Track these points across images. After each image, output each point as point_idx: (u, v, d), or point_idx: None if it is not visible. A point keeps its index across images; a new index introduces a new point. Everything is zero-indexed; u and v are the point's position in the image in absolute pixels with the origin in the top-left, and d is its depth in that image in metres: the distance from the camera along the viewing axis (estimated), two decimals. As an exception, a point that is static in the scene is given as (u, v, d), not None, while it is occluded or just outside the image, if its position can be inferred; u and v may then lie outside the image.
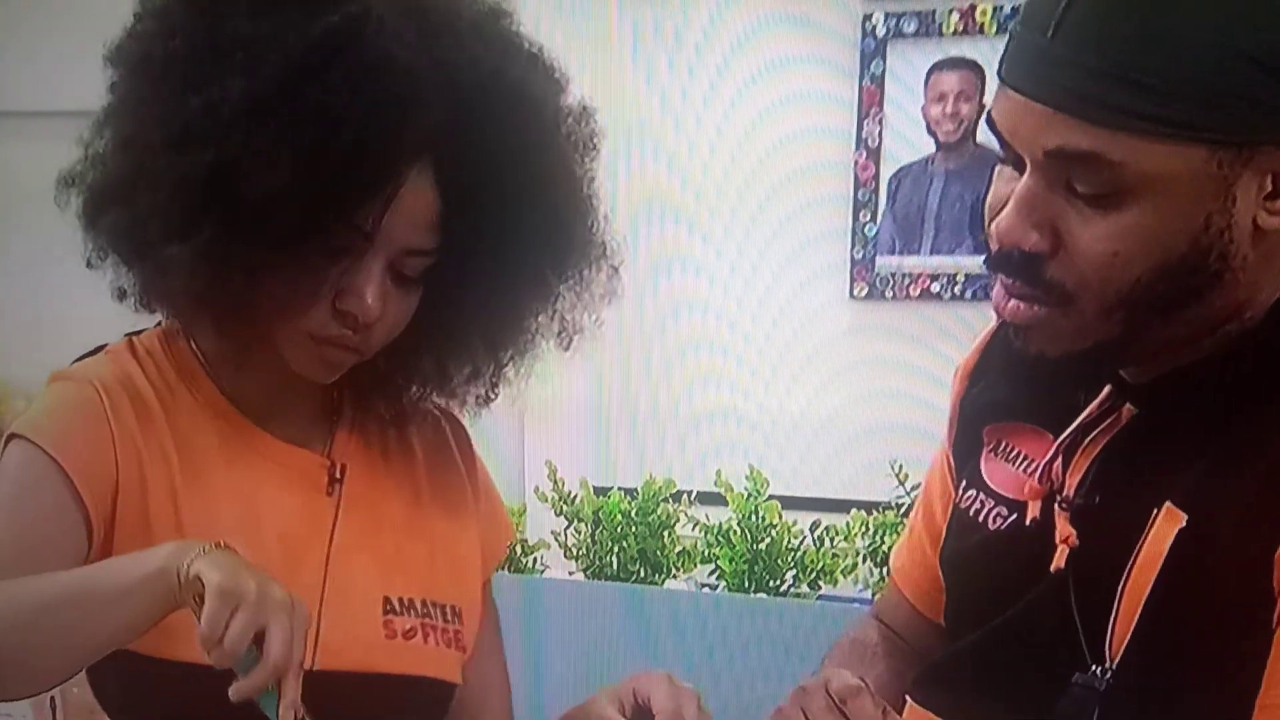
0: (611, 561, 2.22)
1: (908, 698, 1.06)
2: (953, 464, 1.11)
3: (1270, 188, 0.85)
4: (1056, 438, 0.97)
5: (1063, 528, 0.94)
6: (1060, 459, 0.97)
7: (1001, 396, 1.06)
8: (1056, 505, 0.96)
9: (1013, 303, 0.91)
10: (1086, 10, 0.84)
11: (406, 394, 1.13)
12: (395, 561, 1.09)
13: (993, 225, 0.90)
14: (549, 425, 2.90)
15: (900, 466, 2.19)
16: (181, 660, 0.97)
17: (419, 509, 1.13)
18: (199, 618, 0.84)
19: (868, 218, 2.77)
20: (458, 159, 1.00)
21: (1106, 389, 0.95)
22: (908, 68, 2.69)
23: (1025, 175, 0.88)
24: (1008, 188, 0.89)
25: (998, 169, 0.91)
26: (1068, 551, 0.93)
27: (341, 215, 0.98)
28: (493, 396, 1.14)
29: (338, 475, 1.09)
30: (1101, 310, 0.88)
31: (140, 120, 1.01)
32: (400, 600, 1.08)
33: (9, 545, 0.98)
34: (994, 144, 0.91)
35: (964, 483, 1.07)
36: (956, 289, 2.72)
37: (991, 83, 1.03)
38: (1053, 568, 0.93)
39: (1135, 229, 0.85)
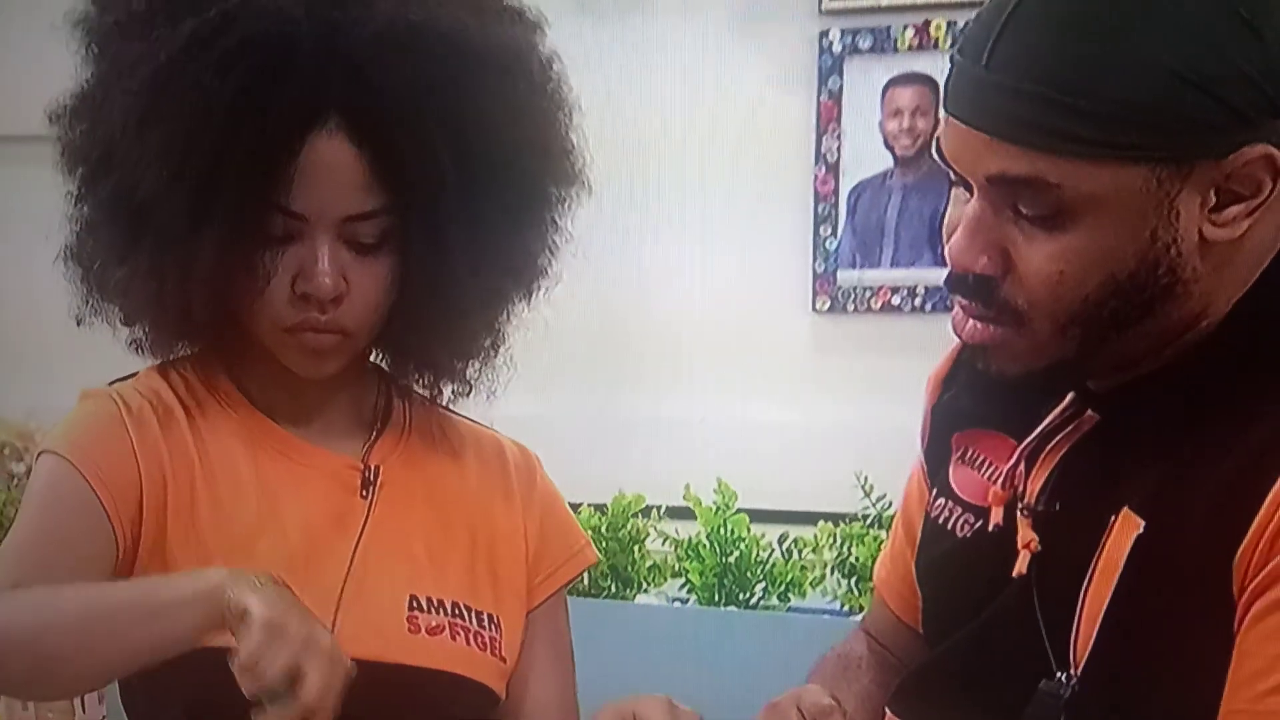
0: (581, 577, 2.21)
1: (886, 709, 1.06)
2: (926, 473, 1.12)
3: (1213, 200, 0.86)
4: (1020, 443, 0.98)
5: (1025, 533, 0.95)
6: (1023, 465, 0.97)
7: (968, 404, 1.06)
8: (1019, 511, 0.96)
9: (970, 323, 0.92)
10: (1017, 37, 0.85)
11: (419, 375, 1.15)
12: (427, 564, 1.11)
13: (945, 249, 0.92)
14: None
15: (865, 478, 2.22)
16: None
17: (459, 519, 1.15)
18: (239, 642, 0.86)
19: (828, 232, 2.79)
20: (367, 113, 1.00)
21: (1069, 396, 0.96)
22: (864, 83, 2.71)
23: (973, 199, 0.89)
24: (960, 210, 0.90)
25: (953, 192, 0.92)
26: (1029, 557, 0.94)
27: (254, 197, 0.99)
28: (493, 353, 1.15)
29: (371, 478, 1.11)
30: (1056, 329, 0.89)
31: (78, 173, 1.06)
32: (429, 600, 1.09)
33: (41, 546, 1.02)
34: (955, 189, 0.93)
35: (935, 491, 1.07)
36: (917, 301, 2.74)
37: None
38: (1015, 573, 0.94)
39: (1081, 248, 0.86)
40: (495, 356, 1.16)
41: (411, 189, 1.02)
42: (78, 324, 1.11)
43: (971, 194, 0.89)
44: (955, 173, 0.90)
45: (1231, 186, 0.85)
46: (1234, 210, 0.86)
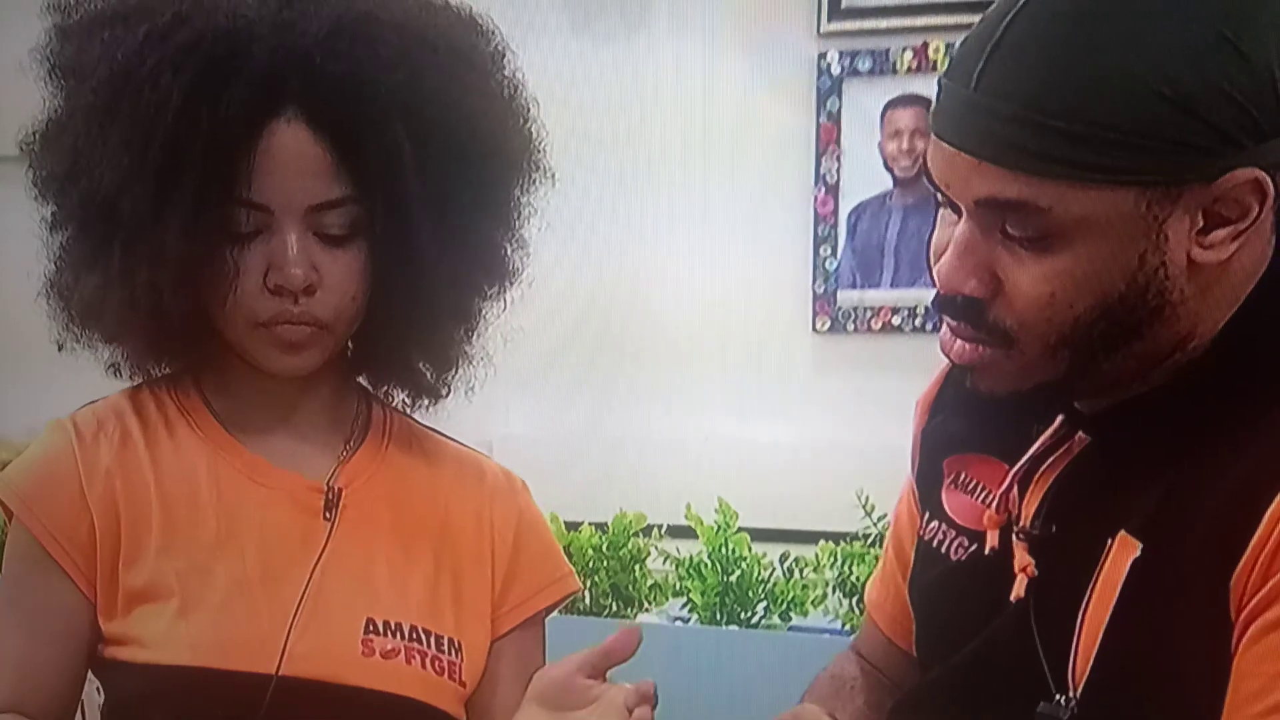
0: (583, 596, 2.22)
1: None
2: (917, 496, 1.12)
3: (1202, 223, 0.85)
4: (1012, 468, 0.98)
5: (1021, 557, 0.95)
6: (1016, 488, 0.97)
7: (959, 428, 1.06)
8: (1014, 535, 0.96)
9: (959, 344, 0.92)
10: (1006, 60, 0.84)
11: (395, 375, 1.15)
12: (387, 587, 1.11)
13: (934, 271, 0.91)
14: (518, 462, 2.90)
15: (866, 497, 2.21)
16: (153, 663, 1.03)
17: (425, 542, 1.14)
18: None
19: (828, 252, 2.81)
20: (324, 101, 1.01)
21: (1059, 419, 0.96)
22: (864, 105, 2.74)
23: (961, 222, 0.89)
24: (948, 232, 0.90)
25: (940, 213, 0.92)
26: (1027, 581, 0.94)
27: (215, 189, 1.00)
28: (467, 347, 1.16)
29: (334, 501, 1.11)
30: (1045, 350, 0.89)
31: (51, 190, 1.07)
32: (385, 623, 1.09)
33: (17, 648, 1.06)
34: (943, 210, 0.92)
35: (927, 514, 1.07)
36: (917, 321, 2.75)
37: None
38: (1013, 597, 0.94)
39: (1070, 271, 0.86)
40: (470, 350, 1.16)
41: (373, 173, 1.03)
42: (59, 349, 1.11)
43: (959, 215, 0.89)
44: (943, 195, 0.90)
45: (1219, 210, 0.85)
46: (1221, 233, 0.86)
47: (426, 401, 1.18)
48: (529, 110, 1.14)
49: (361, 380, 1.20)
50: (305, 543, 1.09)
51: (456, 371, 1.17)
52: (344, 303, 1.06)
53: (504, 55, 1.13)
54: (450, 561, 1.15)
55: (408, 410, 1.20)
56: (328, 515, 1.11)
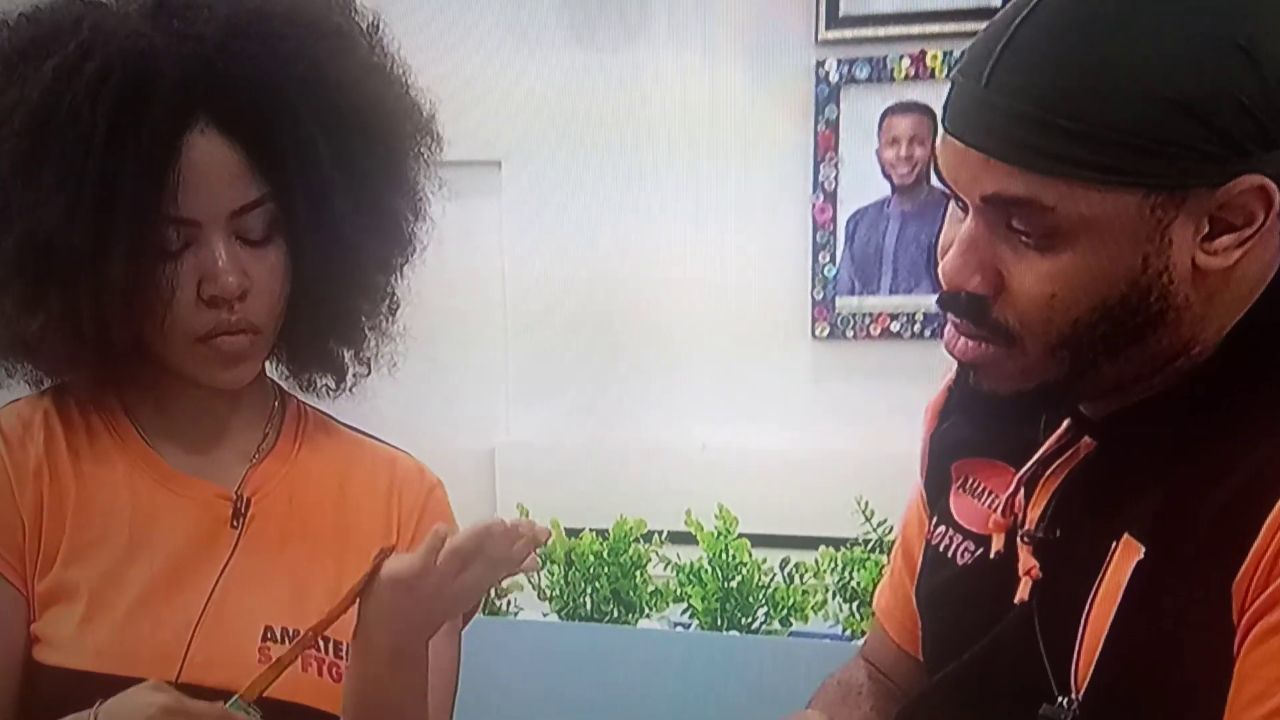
0: (585, 602, 2.23)
1: None
2: (926, 501, 1.12)
3: (1207, 229, 0.85)
4: (1018, 471, 0.98)
5: (1026, 560, 0.95)
6: (1021, 492, 0.97)
7: (967, 433, 1.06)
8: (1019, 538, 0.96)
9: (962, 342, 0.92)
10: (1018, 58, 0.84)
11: (316, 363, 1.16)
12: (288, 596, 1.12)
13: (939, 267, 0.91)
14: (520, 469, 2.92)
15: (866, 503, 2.22)
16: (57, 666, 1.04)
17: (329, 548, 1.15)
18: None
19: (827, 259, 2.82)
20: (231, 103, 1.03)
21: (1065, 423, 0.96)
22: (862, 112, 2.75)
23: (968, 218, 0.89)
24: (955, 229, 0.90)
25: (949, 210, 0.92)
26: (1031, 583, 0.94)
27: (148, 210, 1.01)
28: (388, 323, 1.17)
29: (242, 509, 1.12)
30: (1046, 350, 0.89)
31: None
32: (283, 630, 1.10)
33: None
34: (950, 205, 0.93)
35: (935, 519, 1.08)
36: (916, 327, 2.76)
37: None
38: (1017, 599, 0.94)
39: (1072, 271, 0.86)
40: (387, 326, 1.18)
41: (289, 168, 1.05)
42: None
43: (967, 212, 0.89)
44: (951, 191, 0.90)
45: (1225, 216, 0.85)
46: (1226, 239, 0.85)
47: (352, 382, 1.20)
48: (408, 76, 1.16)
49: (274, 377, 1.21)
50: (212, 551, 1.10)
51: (378, 349, 1.18)
52: (273, 303, 1.08)
53: (378, 26, 1.14)
54: (355, 564, 1.14)
55: (331, 395, 1.21)
56: (235, 524, 1.12)
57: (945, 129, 0.89)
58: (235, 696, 0.96)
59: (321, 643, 1.10)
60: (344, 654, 1.11)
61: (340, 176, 1.07)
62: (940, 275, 0.91)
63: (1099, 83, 0.82)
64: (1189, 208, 0.84)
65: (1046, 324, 0.87)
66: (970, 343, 0.92)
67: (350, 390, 1.20)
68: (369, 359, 1.19)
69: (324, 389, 1.20)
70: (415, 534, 1.18)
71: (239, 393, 1.14)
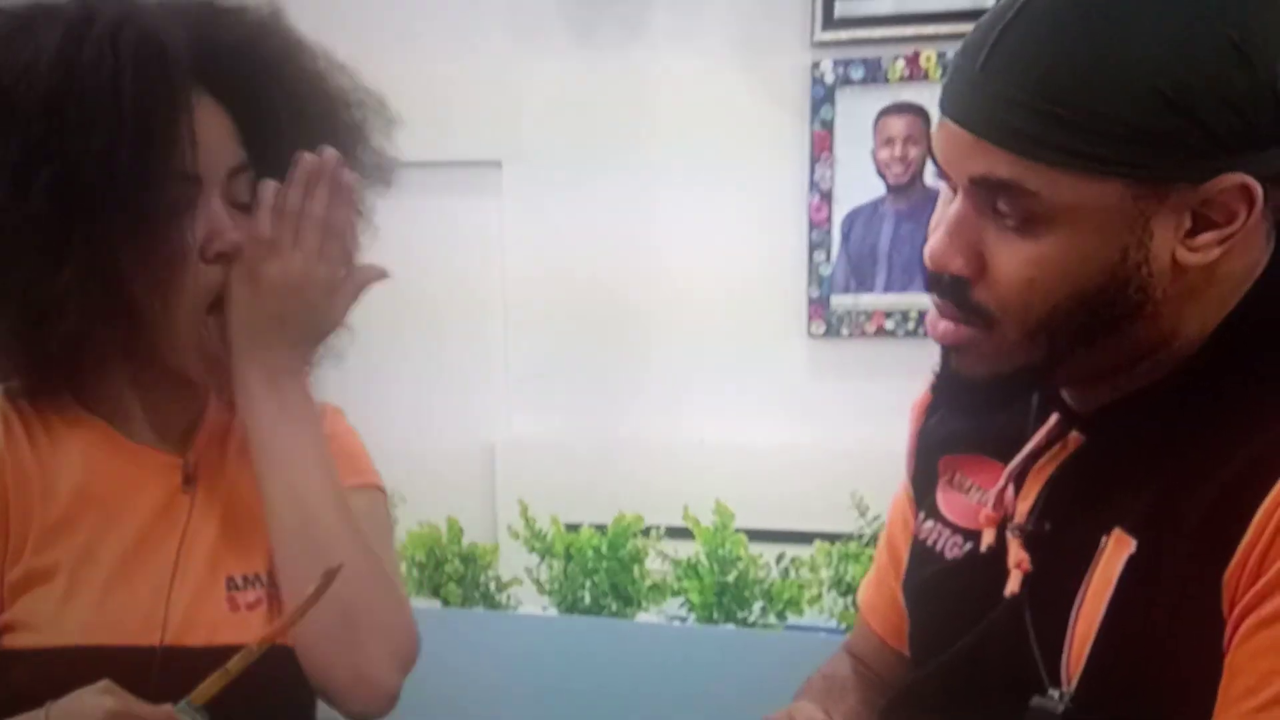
0: (584, 596, 2.24)
1: None
2: (912, 497, 1.12)
3: (1189, 225, 0.85)
4: (1005, 466, 0.98)
5: (1016, 553, 0.95)
6: (1011, 486, 0.98)
7: (954, 429, 1.07)
8: (1009, 531, 0.96)
9: (943, 323, 0.93)
10: (1013, 43, 0.85)
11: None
12: (241, 544, 1.14)
13: (926, 247, 0.92)
14: (519, 465, 2.93)
15: (860, 498, 2.24)
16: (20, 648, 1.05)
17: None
18: None
19: (823, 258, 2.83)
20: (219, 68, 1.07)
21: (1054, 418, 0.96)
22: (856, 113, 2.76)
23: (956, 199, 0.89)
24: (945, 211, 0.91)
25: (941, 192, 0.92)
26: (1021, 576, 0.94)
27: (163, 167, 1.02)
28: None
29: (192, 473, 1.15)
30: (1024, 334, 0.89)
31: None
32: (244, 577, 1.13)
33: None
34: (942, 185, 0.93)
35: (922, 514, 1.08)
36: (910, 326, 2.77)
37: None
38: (1007, 592, 0.94)
39: (1051, 257, 0.86)
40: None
41: (267, 132, 1.08)
42: None
43: (957, 195, 0.89)
44: (942, 172, 0.90)
45: (1207, 213, 0.85)
46: (1208, 236, 0.85)
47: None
48: (353, 73, 1.20)
49: None
50: (171, 516, 1.13)
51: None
52: None
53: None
54: None
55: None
56: (187, 488, 1.14)
57: (941, 110, 0.90)
58: (184, 700, 0.97)
59: (278, 582, 1.12)
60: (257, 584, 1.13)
61: (309, 149, 1.10)
62: (925, 255, 0.92)
63: (1088, 70, 0.82)
64: (1171, 202, 0.84)
65: (1025, 309, 0.88)
66: (950, 325, 0.92)
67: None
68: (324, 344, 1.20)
69: None
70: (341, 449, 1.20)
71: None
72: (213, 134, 1.06)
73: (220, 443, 1.18)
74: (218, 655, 1.06)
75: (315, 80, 1.14)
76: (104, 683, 0.96)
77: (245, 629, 1.11)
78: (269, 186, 1.08)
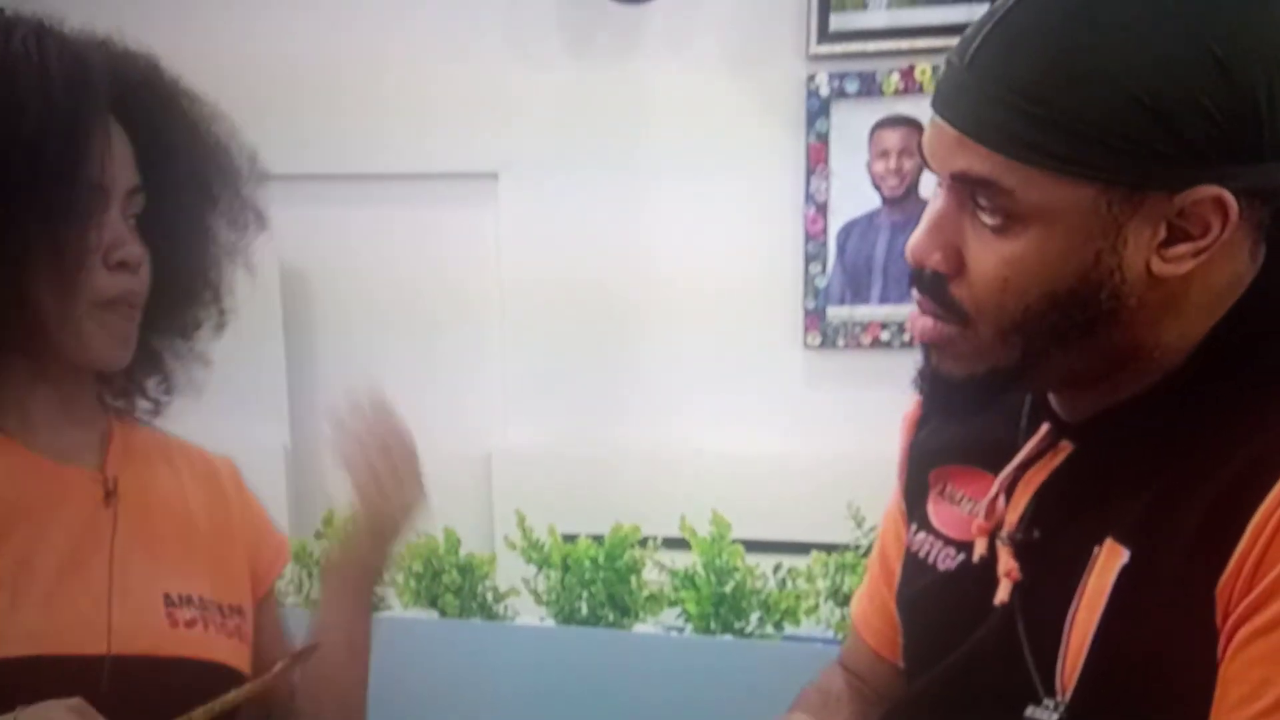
0: (581, 607, 2.24)
1: None
2: (904, 509, 1.13)
3: (1164, 235, 0.85)
4: (996, 477, 0.99)
5: (1006, 561, 0.96)
6: (1002, 495, 0.98)
7: (944, 441, 1.08)
8: (999, 540, 0.97)
9: (923, 320, 0.93)
10: (997, 42, 0.86)
11: (156, 355, 1.23)
12: (173, 565, 1.18)
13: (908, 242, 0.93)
14: (516, 475, 2.93)
15: (857, 509, 2.24)
16: None
17: (189, 525, 1.23)
18: None
19: (818, 269, 2.84)
20: (122, 93, 1.12)
21: (1045, 428, 0.97)
22: (852, 126, 2.77)
23: (938, 195, 0.90)
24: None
25: (933, 190, 0.93)
26: (1011, 585, 0.95)
27: (81, 173, 1.07)
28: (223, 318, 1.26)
29: (111, 488, 1.17)
30: (998, 333, 0.90)
31: None
32: (180, 595, 1.16)
33: None
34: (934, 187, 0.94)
35: (914, 526, 1.08)
36: (905, 337, 2.77)
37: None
38: (997, 601, 0.95)
39: (1024, 257, 0.86)
40: (224, 318, 1.26)
41: (158, 159, 1.14)
42: None
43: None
44: (928, 167, 0.91)
45: (1182, 224, 0.85)
46: (1182, 248, 0.86)
47: (170, 399, 1.27)
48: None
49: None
50: (95, 530, 1.15)
51: (183, 370, 1.26)
52: (146, 285, 1.15)
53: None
54: (209, 540, 1.24)
55: (162, 403, 1.28)
56: (108, 502, 1.17)
57: (931, 108, 0.91)
58: None
59: (210, 604, 1.18)
60: (228, 613, 1.20)
61: (197, 179, 1.18)
62: (906, 249, 0.93)
63: (1068, 72, 0.83)
64: (1146, 211, 0.85)
65: (999, 307, 0.88)
66: (930, 321, 0.93)
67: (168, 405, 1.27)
68: (171, 379, 1.26)
69: (157, 394, 1.27)
70: (251, 523, 1.29)
71: (82, 384, 1.19)
72: (118, 152, 1.11)
73: (131, 458, 1.21)
74: (165, 667, 1.11)
75: (204, 121, 1.21)
76: (75, 700, 0.97)
77: (187, 645, 1.14)
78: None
